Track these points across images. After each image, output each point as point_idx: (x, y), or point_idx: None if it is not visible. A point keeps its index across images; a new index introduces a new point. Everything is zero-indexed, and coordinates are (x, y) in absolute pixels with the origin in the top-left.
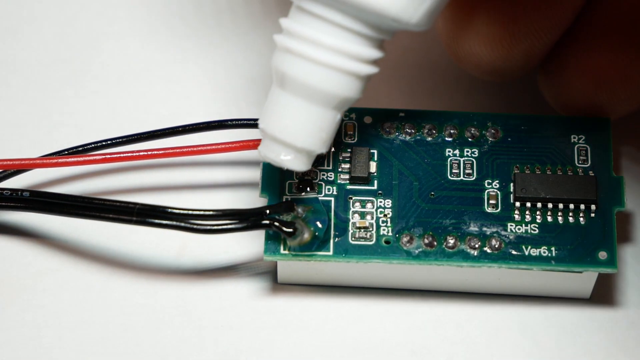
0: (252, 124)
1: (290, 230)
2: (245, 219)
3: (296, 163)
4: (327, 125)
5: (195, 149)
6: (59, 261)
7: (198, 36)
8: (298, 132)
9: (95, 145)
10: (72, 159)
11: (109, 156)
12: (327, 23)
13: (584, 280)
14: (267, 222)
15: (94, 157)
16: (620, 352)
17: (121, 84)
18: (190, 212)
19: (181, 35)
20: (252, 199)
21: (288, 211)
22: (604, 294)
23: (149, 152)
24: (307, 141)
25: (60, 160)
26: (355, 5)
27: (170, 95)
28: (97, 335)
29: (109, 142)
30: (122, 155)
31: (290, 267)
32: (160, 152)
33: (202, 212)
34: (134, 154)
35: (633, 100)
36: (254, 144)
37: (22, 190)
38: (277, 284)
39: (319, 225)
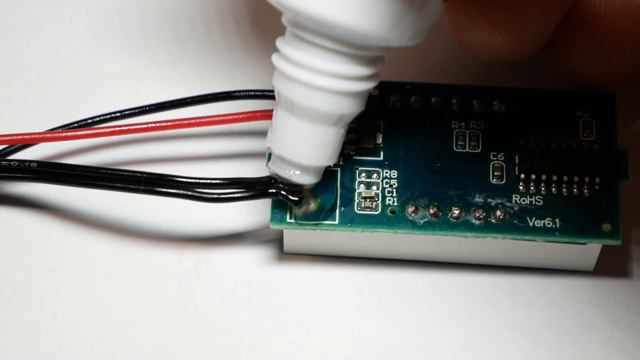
0: (259, 95)
1: (297, 199)
2: (252, 188)
3: (305, 178)
4: (331, 141)
5: (203, 120)
6: (59, 261)
7: (199, 36)
8: (302, 151)
9: (103, 117)
10: (80, 132)
11: (117, 129)
12: (318, 48)
13: (588, 252)
14: (274, 190)
15: (102, 130)
16: (622, 324)
17: (120, 84)
18: (197, 180)
19: (182, 36)
20: (259, 170)
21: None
22: (607, 267)
23: (157, 124)
24: (311, 159)
25: (68, 133)
26: (342, 33)
27: (170, 96)
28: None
29: (117, 114)
30: (130, 127)
31: (296, 236)
32: (169, 124)
33: (209, 181)
34: (142, 126)
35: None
36: (261, 115)
37: (30, 162)
38: (283, 254)
39: (325, 194)
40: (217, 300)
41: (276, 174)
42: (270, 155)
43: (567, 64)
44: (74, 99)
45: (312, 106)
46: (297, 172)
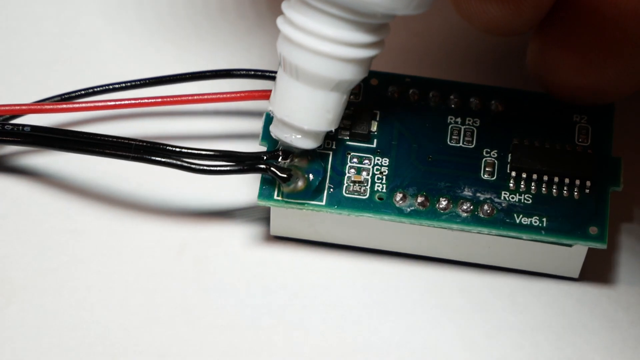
0: (259, 74)
1: (285, 176)
2: (241, 162)
3: (306, 142)
4: (332, 107)
5: (201, 97)
6: (59, 261)
7: (200, 35)
8: (305, 115)
9: (103, 88)
10: (77, 105)
11: (115, 103)
12: (323, 14)
13: (573, 256)
14: (263, 166)
15: (99, 104)
16: (599, 330)
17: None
18: (187, 150)
19: (181, 35)
20: (252, 149)
21: (285, 158)
22: (593, 274)
23: (155, 100)
24: (313, 124)
25: (62, 106)
26: (344, 1)
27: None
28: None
29: (116, 85)
30: (128, 102)
31: (283, 216)
32: (167, 99)
33: (199, 151)
34: (141, 102)
35: (622, 80)
36: (259, 95)
37: (24, 125)
38: (270, 236)
39: (314, 174)
40: (201, 278)
41: (277, 137)
42: (271, 118)
43: (554, 75)
44: (69, 69)
45: (316, 71)
46: (299, 136)
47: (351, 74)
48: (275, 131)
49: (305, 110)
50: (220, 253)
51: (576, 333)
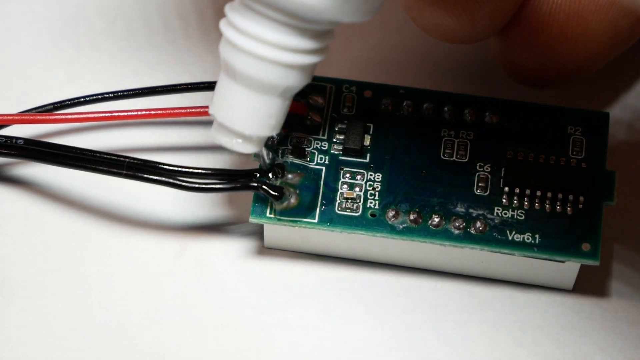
0: None
1: (277, 194)
2: (234, 180)
3: (246, 147)
4: (275, 112)
5: (195, 110)
6: (59, 261)
7: (197, 36)
8: (246, 120)
9: (94, 97)
10: (67, 116)
11: (106, 114)
12: (265, 18)
13: (567, 271)
14: (256, 184)
15: (91, 115)
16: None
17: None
18: (180, 168)
19: (179, 36)
20: (245, 163)
21: (277, 176)
22: (587, 287)
23: (147, 112)
24: (254, 129)
25: (52, 116)
26: (288, 7)
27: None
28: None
29: (108, 94)
30: (118, 114)
31: (276, 231)
32: (159, 112)
33: (192, 170)
34: (131, 114)
35: (590, 57)
36: None
37: (17, 138)
38: (264, 248)
39: (307, 192)
40: (194, 291)
41: (218, 141)
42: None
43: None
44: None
45: (257, 76)
46: (239, 141)
47: (294, 80)
48: (217, 135)
49: (247, 115)
50: (216, 262)
51: (574, 334)
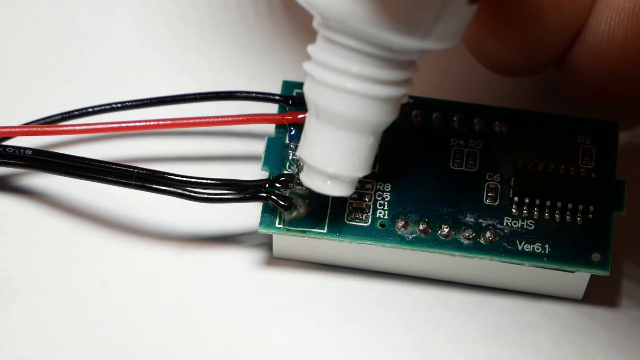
0: (261, 97)
1: (286, 204)
2: (243, 190)
3: (334, 189)
4: (358, 149)
5: (203, 120)
6: (59, 261)
7: (199, 35)
8: (328, 158)
9: (103, 107)
10: (74, 127)
11: (115, 125)
12: (347, 50)
13: (577, 280)
14: (265, 195)
15: (99, 126)
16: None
17: (121, 83)
18: (188, 179)
19: (181, 35)
20: (254, 173)
21: (287, 186)
22: (597, 297)
23: (157, 122)
24: (337, 167)
25: (62, 128)
26: (373, 35)
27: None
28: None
29: (117, 104)
30: (128, 125)
31: (285, 241)
32: (168, 122)
33: (200, 180)
34: (141, 124)
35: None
36: (260, 118)
37: (25, 149)
38: (273, 258)
39: (316, 202)
40: (202, 302)
41: (307, 185)
42: (273, 142)
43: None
44: (71, 93)
45: (335, 109)
46: (328, 182)
47: (375, 115)
48: (305, 179)
49: (329, 153)
50: (225, 272)
51: (576, 334)
